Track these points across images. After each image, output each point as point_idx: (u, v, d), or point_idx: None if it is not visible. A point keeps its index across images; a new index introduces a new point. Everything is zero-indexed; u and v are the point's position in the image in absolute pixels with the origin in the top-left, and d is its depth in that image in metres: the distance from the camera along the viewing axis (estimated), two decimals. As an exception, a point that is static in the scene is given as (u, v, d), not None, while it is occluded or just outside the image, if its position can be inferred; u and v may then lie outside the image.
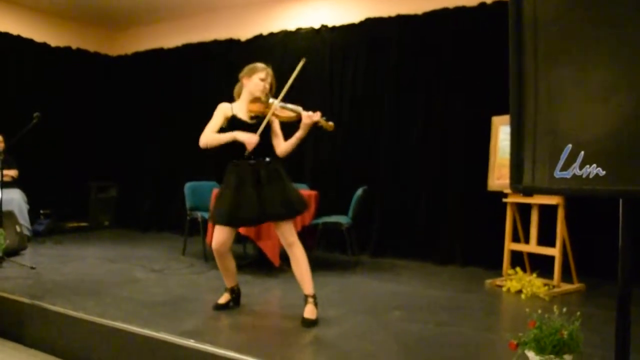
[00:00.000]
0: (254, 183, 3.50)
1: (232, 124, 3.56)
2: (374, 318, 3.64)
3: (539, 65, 1.79)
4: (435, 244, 5.80)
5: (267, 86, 3.62)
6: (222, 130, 3.57)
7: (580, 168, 1.64)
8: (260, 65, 3.68)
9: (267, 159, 3.58)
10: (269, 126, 3.55)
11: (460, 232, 5.65)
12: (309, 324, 3.39)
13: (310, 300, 3.50)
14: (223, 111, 3.61)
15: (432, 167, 5.88)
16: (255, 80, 3.60)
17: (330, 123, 3.58)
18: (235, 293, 3.84)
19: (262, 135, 3.48)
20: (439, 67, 5.86)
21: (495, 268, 5.06)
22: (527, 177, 1.83)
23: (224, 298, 3.80)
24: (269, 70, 3.68)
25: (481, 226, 5.47)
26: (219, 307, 3.74)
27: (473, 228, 5.55)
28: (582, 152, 1.64)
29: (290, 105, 3.63)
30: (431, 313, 3.81)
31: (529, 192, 2.01)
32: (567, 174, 1.68)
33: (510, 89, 1.88)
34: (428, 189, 5.90)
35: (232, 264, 3.77)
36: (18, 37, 7.72)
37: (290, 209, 3.56)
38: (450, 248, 5.70)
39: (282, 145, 3.65)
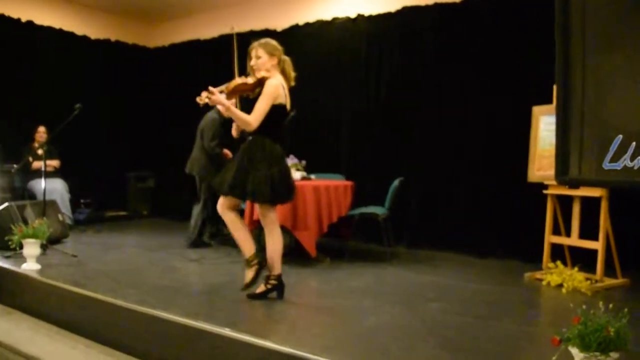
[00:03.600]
0: (240, 159, 3.65)
1: None
2: (410, 310, 3.61)
3: (587, 52, 1.72)
4: (473, 236, 5.70)
5: (252, 63, 3.77)
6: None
7: (632, 159, 1.57)
8: None
9: (250, 137, 3.70)
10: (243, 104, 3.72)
11: (498, 224, 5.54)
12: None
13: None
14: None
15: (470, 158, 5.78)
16: None
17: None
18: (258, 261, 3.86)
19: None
20: (477, 56, 5.73)
21: (534, 261, 4.96)
22: (573, 169, 1.77)
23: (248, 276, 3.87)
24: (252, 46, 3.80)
25: (520, 218, 5.36)
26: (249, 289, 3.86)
27: (512, 220, 5.44)
28: (634, 143, 1.57)
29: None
30: (469, 306, 3.75)
31: (575, 184, 1.95)
32: (617, 166, 1.61)
33: (556, 77, 1.82)
34: (466, 180, 5.81)
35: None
36: (60, 30, 7.91)
37: (232, 191, 3.60)
38: (488, 240, 5.60)
39: None
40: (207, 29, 8.22)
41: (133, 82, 8.67)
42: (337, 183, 5.26)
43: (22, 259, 4.51)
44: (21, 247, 4.50)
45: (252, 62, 3.72)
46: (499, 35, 5.59)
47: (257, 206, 3.76)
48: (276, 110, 3.61)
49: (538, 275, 4.60)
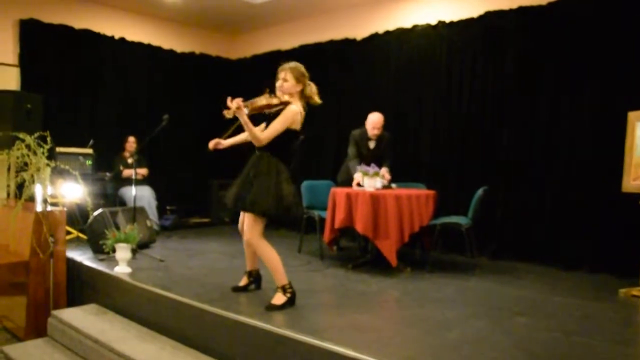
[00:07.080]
0: (247, 173, 3.85)
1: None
2: (495, 323, 3.49)
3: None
4: (561, 248, 5.46)
5: (278, 85, 3.90)
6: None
7: None
8: None
9: (258, 152, 3.86)
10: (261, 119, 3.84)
11: (589, 235, 5.27)
12: (269, 307, 3.60)
13: (279, 290, 3.71)
14: None
15: (558, 166, 5.55)
16: None
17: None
18: (253, 277, 4.17)
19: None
20: (564, 60, 5.50)
21: (629, 277, 4.68)
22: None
23: (242, 281, 4.16)
24: (282, 68, 3.95)
25: (613, 230, 5.08)
26: (237, 290, 4.10)
27: (604, 232, 5.16)
28: None
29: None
30: (558, 321, 3.58)
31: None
32: None
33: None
34: (553, 189, 5.57)
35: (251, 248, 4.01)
36: (149, 45, 8.32)
37: (236, 203, 3.79)
38: (578, 252, 5.34)
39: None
40: (288, 40, 8.37)
41: (217, 92, 8.89)
42: (419, 192, 5.18)
43: (115, 262, 4.75)
44: (114, 250, 4.74)
45: (279, 84, 3.84)
46: (587, 38, 5.34)
47: (246, 217, 3.77)
48: (288, 133, 3.74)
49: (635, 291, 4.33)
